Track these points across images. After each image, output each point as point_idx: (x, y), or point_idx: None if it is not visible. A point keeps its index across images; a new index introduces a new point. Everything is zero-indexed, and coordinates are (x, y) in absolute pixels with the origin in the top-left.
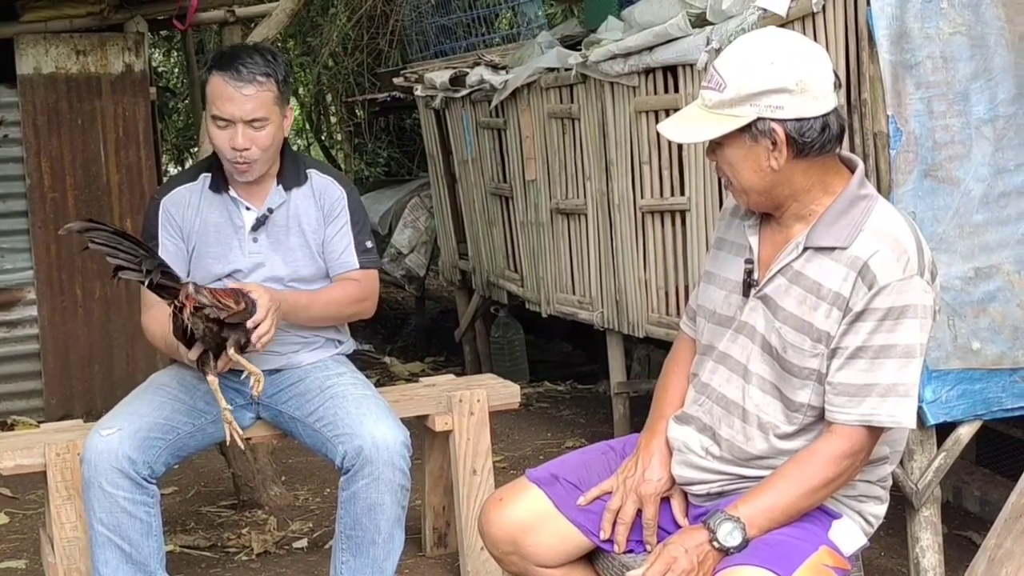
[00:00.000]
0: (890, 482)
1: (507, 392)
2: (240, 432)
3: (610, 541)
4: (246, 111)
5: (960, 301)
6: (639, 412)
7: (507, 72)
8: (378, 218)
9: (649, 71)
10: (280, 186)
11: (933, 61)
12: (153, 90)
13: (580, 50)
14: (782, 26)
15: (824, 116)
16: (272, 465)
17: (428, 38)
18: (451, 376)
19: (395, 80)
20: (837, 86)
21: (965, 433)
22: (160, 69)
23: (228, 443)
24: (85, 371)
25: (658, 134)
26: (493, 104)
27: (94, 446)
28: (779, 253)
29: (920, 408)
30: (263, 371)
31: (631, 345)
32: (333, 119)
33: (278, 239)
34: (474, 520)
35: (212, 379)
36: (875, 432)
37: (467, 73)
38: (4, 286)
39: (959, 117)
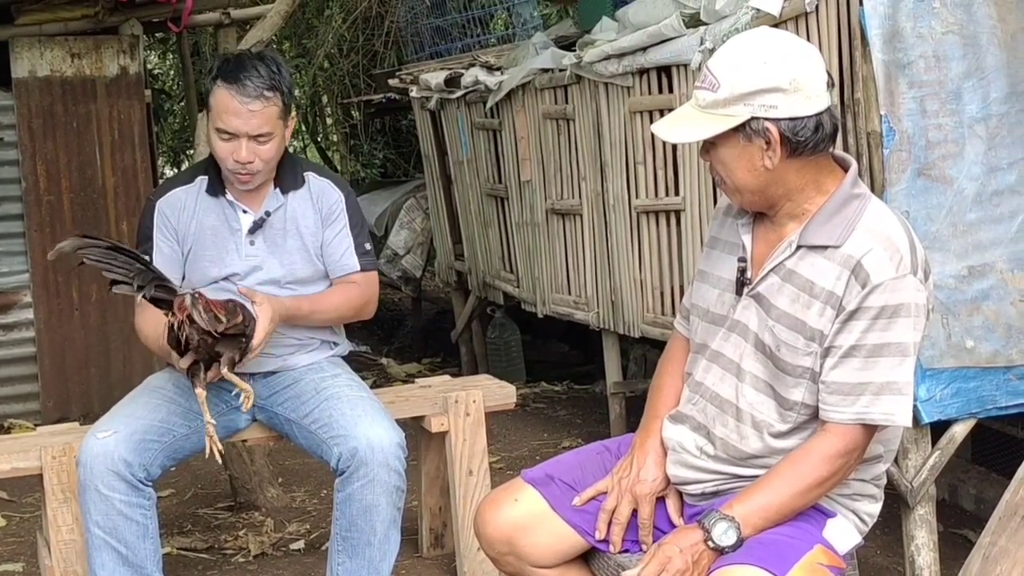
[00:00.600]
0: (884, 480)
1: (503, 393)
2: (220, 448)
3: (606, 541)
4: (252, 126)
5: (954, 299)
6: (635, 412)
7: (502, 73)
8: (374, 219)
9: (643, 71)
10: (277, 189)
11: (926, 60)
12: (148, 93)
13: (575, 51)
14: (775, 26)
15: (817, 115)
16: (269, 467)
17: (423, 39)
18: (447, 377)
19: (391, 81)
20: (830, 85)
21: (960, 431)
22: (155, 72)
23: (208, 455)
24: (81, 374)
25: (653, 134)
26: (488, 105)
27: (90, 449)
28: (772, 252)
29: (915, 407)
30: (259, 373)
31: (627, 345)
32: (329, 121)
33: (275, 242)
34: (470, 521)
35: (200, 392)
36: (869, 430)
37: (462, 74)
38: (0, 289)
39: (952, 116)
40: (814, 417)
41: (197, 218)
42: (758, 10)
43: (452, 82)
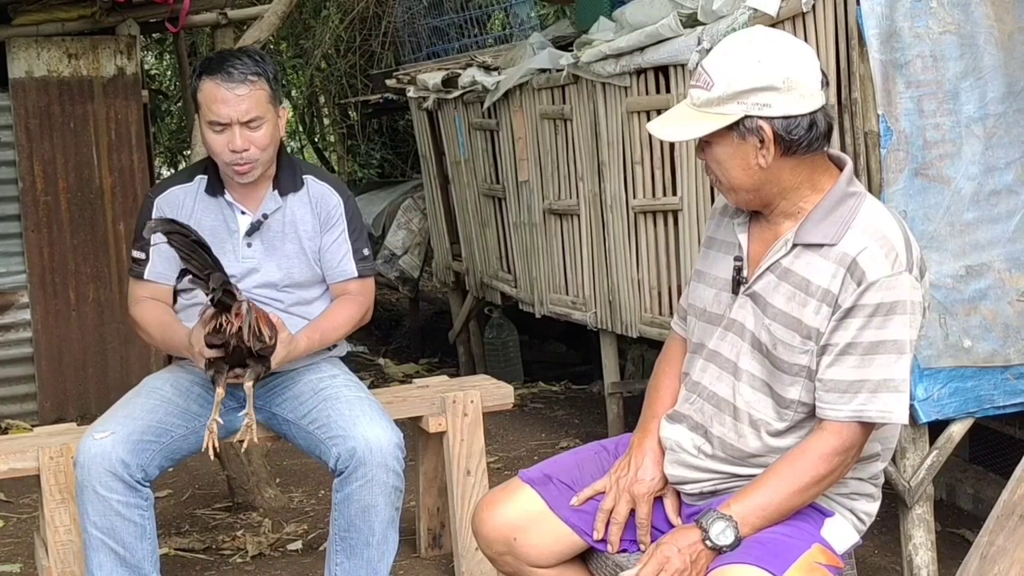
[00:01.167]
0: (882, 480)
1: (501, 393)
2: (217, 446)
3: (603, 541)
4: (241, 111)
5: (951, 299)
6: (633, 412)
7: (499, 73)
8: (372, 220)
9: (641, 71)
10: (276, 191)
11: (923, 60)
12: (145, 93)
13: (572, 51)
14: (772, 26)
15: (811, 114)
16: (266, 467)
17: (421, 39)
18: (445, 377)
19: (388, 82)
20: (824, 84)
21: (957, 431)
22: (152, 72)
23: (204, 449)
24: (79, 374)
25: (650, 134)
26: (486, 105)
27: (87, 449)
28: (768, 250)
29: (912, 406)
30: None
31: (625, 345)
32: (326, 121)
33: (272, 245)
34: (468, 521)
35: (220, 392)
36: (866, 428)
37: (459, 74)
38: None
39: (949, 116)
40: (811, 415)
41: (195, 217)
42: (755, 10)
43: (449, 82)
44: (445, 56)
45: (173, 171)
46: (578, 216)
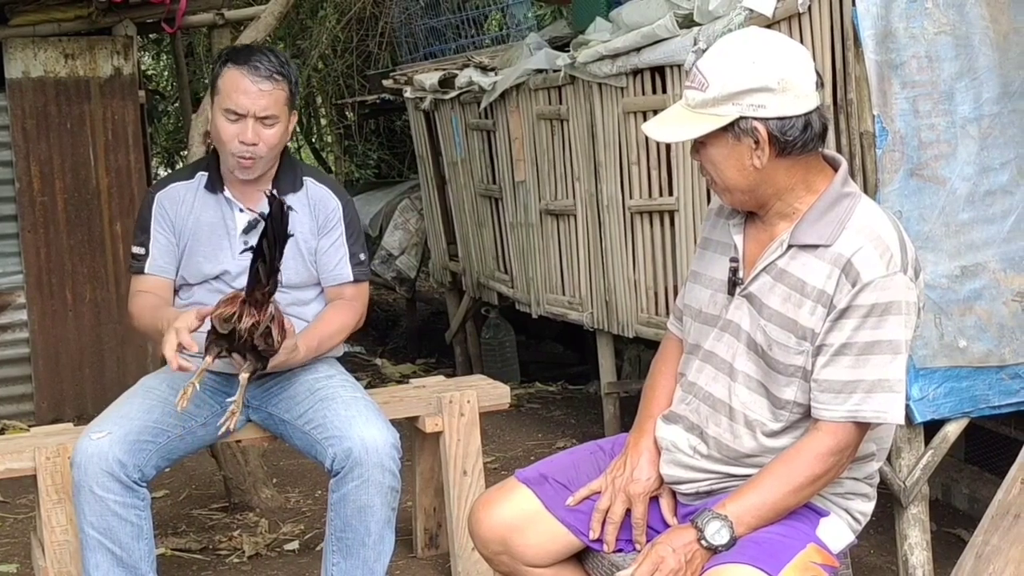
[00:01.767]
0: (877, 479)
1: (497, 393)
2: (232, 427)
3: (599, 541)
4: (260, 106)
5: (946, 299)
6: (630, 412)
7: (496, 74)
8: (368, 220)
9: (637, 72)
10: (275, 191)
11: (918, 61)
12: (142, 93)
13: (568, 51)
14: (768, 26)
15: (806, 115)
16: (263, 468)
17: (418, 40)
18: (442, 377)
19: (385, 82)
20: (819, 85)
21: (952, 430)
22: (149, 72)
23: (222, 430)
24: (75, 375)
25: (647, 135)
26: (482, 106)
27: (84, 450)
28: (764, 251)
29: (907, 406)
30: None
31: (621, 345)
32: (323, 121)
33: None
34: (465, 521)
35: (208, 360)
36: (861, 428)
37: (456, 75)
38: None
39: (944, 116)
40: (807, 416)
41: (195, 213)
42: (751, 11)
43: (446, 83)
44: (442, 56)
45: (169, 171)
46: (574, 216)
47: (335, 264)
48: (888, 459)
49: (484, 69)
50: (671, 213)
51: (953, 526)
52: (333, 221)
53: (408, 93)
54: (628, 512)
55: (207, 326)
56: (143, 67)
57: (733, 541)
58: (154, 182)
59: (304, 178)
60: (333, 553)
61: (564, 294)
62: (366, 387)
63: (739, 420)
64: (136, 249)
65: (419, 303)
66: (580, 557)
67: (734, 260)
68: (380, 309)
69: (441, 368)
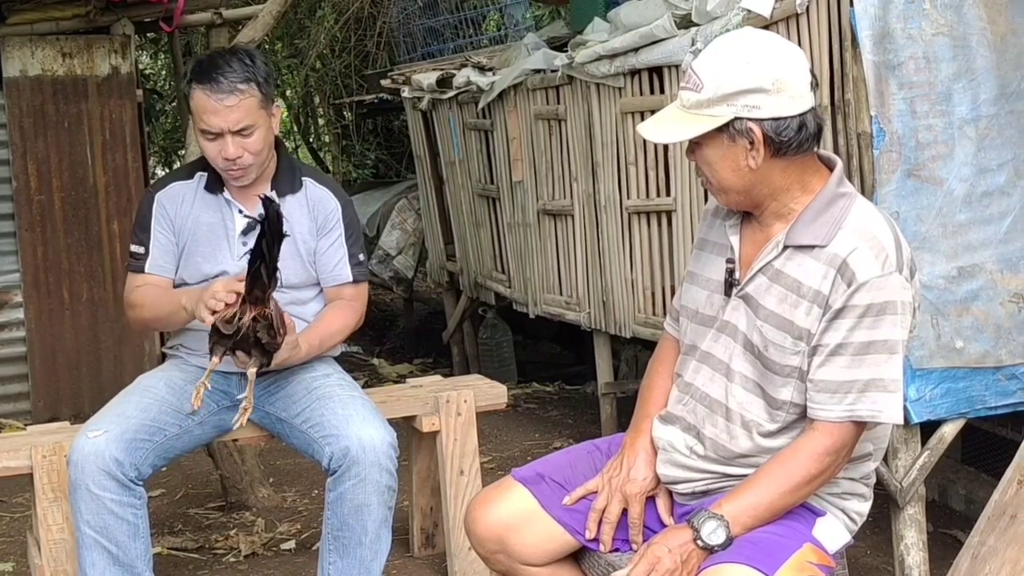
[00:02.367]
0: (874, 479)
1: (494, 393)
2: (243, 422)
3: (596, 540)
4: (231, 121)
5: (943, 300)
6: (626, 412)
7: (494, 74)
8: (366, 220)
9: (635, 72)
10: (273, 192)
11: (916, 61)
12: (140, 92)
13: (566, 52)
14: (766, 27)
15: (801, 115)
16: (260, 467)
17: (416, 40)
18: (439, 377)
19: (383, 82)
20: (814, 86)
21: (949, 431)
22: (147, 71)
23: (236, 425)
24: (72, 373)
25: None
26: (480, 106)
27: (80, 448)
28: (760, 252)
29: (904, 406)
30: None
31: (618, 345)
32: (321, 121)
33: None
34: (461, 520)
35: (215, 360)
36: (857, 428)
37: (454, 75)
38: None
39: (942, 117)
40: (803, 416)
41: (194, 213)
42: (749, 11)
43: (444, 83)
44: (440, 56)
45: (167, 171)
46: (572, 216)
47: (334, 265)
48: (884, 459)
49: (482, 69)
50: (668, 213)
51: (949, 527)
52: (332, 222)
53: (406, 93)
54: (625, 512)
55: (209, 327)
56: (141, 66)
57: (729, 541)
58: (153, 182)
59: (303, 178)
60: (330, 552)
61: (561, 294)
62: (363, 387)
63: (735, 420)
64: (135, 248)
65: (416, 303)
66: (576, 556)
67: (730, 261)
68: (377, 309)
69: (438, 368)
